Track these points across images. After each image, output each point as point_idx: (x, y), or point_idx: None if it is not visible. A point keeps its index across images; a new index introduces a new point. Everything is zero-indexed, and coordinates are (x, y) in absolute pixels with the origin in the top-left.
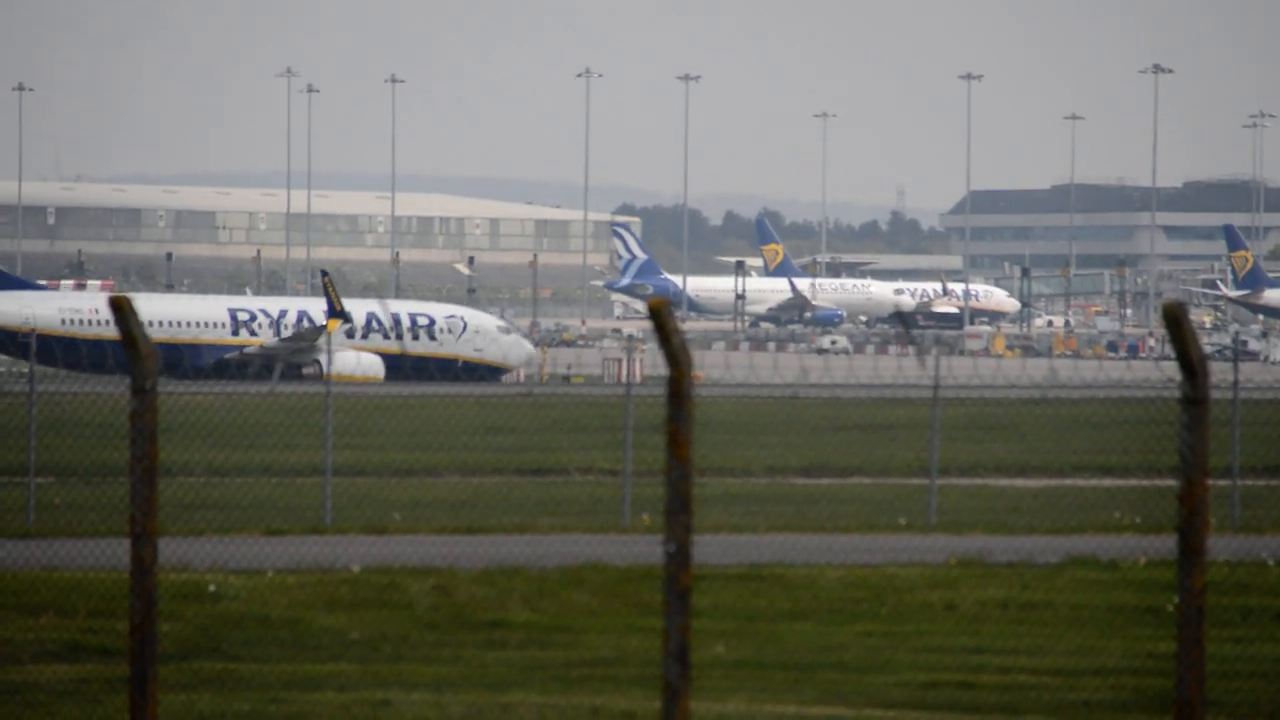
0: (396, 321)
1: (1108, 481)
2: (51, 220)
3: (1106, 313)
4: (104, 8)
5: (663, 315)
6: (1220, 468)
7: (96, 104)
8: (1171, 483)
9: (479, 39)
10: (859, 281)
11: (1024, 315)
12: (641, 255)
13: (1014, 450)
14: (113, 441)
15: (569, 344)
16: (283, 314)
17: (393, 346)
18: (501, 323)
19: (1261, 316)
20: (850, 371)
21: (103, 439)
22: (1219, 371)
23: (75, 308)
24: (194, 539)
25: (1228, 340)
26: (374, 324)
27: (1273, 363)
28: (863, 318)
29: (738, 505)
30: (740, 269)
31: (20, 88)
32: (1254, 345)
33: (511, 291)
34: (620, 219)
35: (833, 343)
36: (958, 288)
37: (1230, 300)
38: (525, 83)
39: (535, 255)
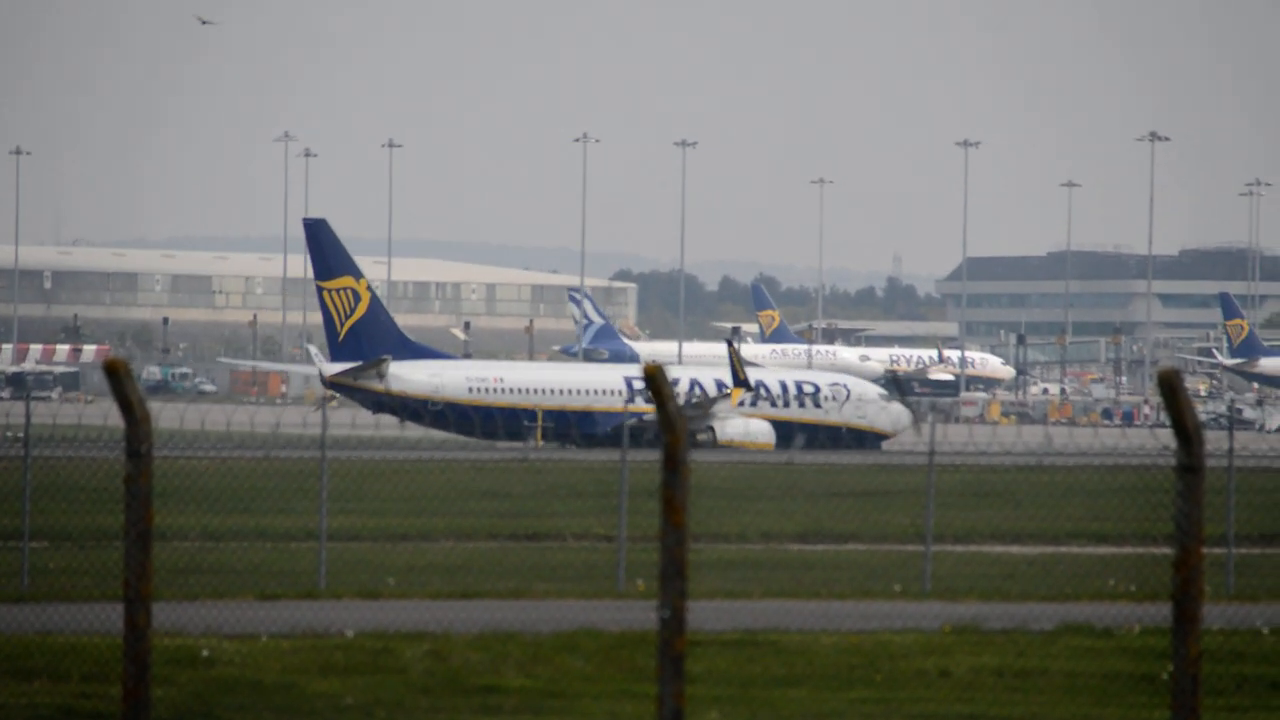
0: (784, 389)
1: (1103, 549)
2: (48, 284)
3: (1102, 380)
4: (104, 73)
5: (658, 381)
6: (1215, 535)
7: (96, 168)
8: (1166, 550)
9: (477, 106)
10: (826, 347)
11: (1019, 382)
12: (599, 320)
13: (1009, 517)
14: (107, 506)
15: None
16: (675, 382)
17: (780, 414)
18: (883, 390)
19: (1257, 385)
20: None
21: (97, 503)
22: (1214, 439)
23: (481, 376)
24: (187, 604)
25: (1223, 408)
26: (762, 391)
27: (1268, 431)
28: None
29: (733, 571)
30: (736, 335)
31: (18, 151)
32: (1249, 413)
33: (508, 356)
34: (618, 284)
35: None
36: (953, 354)
37: (1225, 368)
38: (523, 149)
39: (531, 320)
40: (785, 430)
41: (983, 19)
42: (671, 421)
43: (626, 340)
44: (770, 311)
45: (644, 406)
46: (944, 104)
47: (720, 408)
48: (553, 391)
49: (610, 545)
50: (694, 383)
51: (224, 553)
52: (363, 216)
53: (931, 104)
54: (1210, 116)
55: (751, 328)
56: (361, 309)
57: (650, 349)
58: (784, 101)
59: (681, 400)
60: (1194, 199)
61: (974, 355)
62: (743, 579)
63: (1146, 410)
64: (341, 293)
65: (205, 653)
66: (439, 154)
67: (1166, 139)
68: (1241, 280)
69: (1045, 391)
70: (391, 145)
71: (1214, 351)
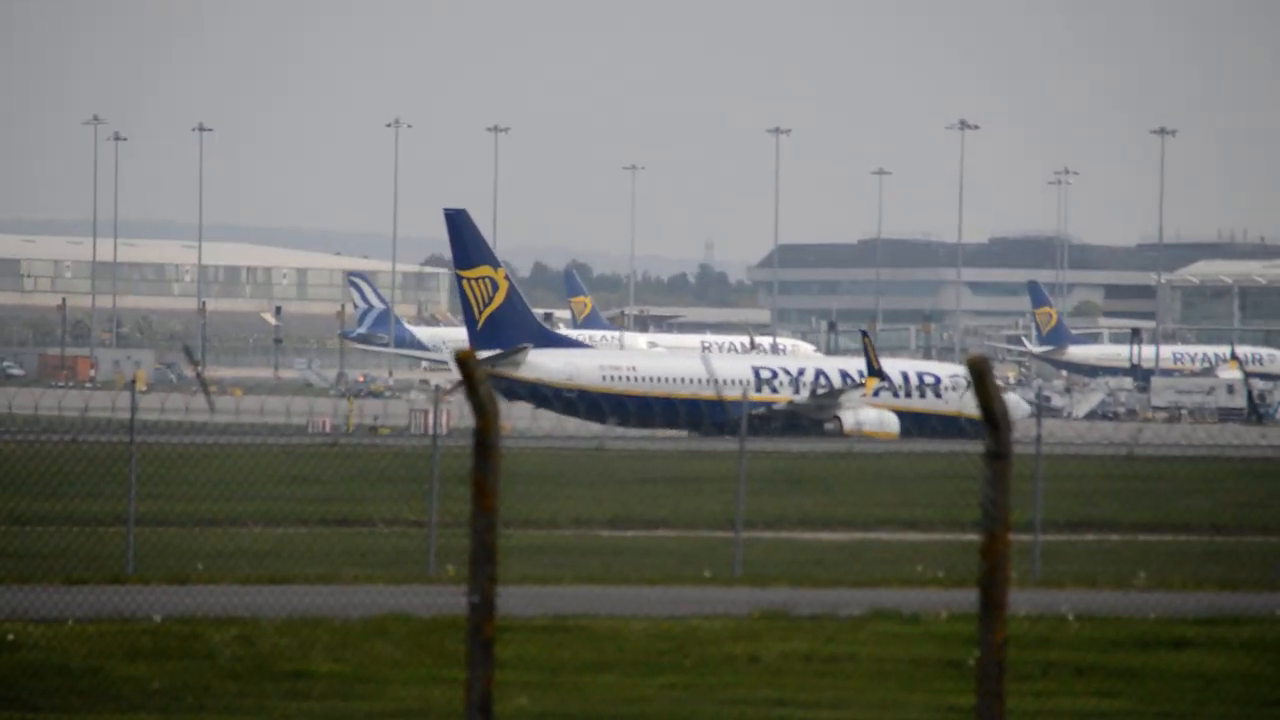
0: (905, 379)
1: (911, 535)
2: None
3: None
4: None
5: (469, 366)
6: (1022, 522)
7: None
8: (974, 537)
9: (289, 89)
10: (609, 333)
11: None
12: (379, 305)
13: (819, 503)
14: None
15: (376, 395)
16: (801, 372)
17: (901, 403)
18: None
19: (1064, 372)
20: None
21: None
22: (1022, 426)
23: (615, 365)
24: None
25: (1031, 395)
26: (884, 381)
27: (1075, 418)
28: None
29: (543, 556)
30: (549, 320)
31: None
32: (1057, 401)
33: (319, 342)
34: (430, 269)
35: None
36: (765, 341)
37: (1034, 356)
38: (336, 133)
39: (343, 305)
40: (906, 420)
41: (795, 2)
42: (483, 406)
43: (409, 325)
44: (583, 298)
45: (772, 396)
46: (756, 91)
47: (850, 397)
48: (684, 380)
49: (421, 530)
50: (819, 372)
51: (30, 537)
52: (173, 201)
53: (743, 91)
54: (1019, 105)
55: (564, 314)
56: (500, 298)
57: (444, 335)
58: (597, 87)
59: (806, 390)
60: (1004, 187)
61: (785, 342)
62: (554, 564)
63: None
64: (480, 282)
65: (10, 636)
66: (250, 138)
67: (976, 127)
68: (1050, 268)
69: None
70: (202, 129)
71: (1023, 339)
